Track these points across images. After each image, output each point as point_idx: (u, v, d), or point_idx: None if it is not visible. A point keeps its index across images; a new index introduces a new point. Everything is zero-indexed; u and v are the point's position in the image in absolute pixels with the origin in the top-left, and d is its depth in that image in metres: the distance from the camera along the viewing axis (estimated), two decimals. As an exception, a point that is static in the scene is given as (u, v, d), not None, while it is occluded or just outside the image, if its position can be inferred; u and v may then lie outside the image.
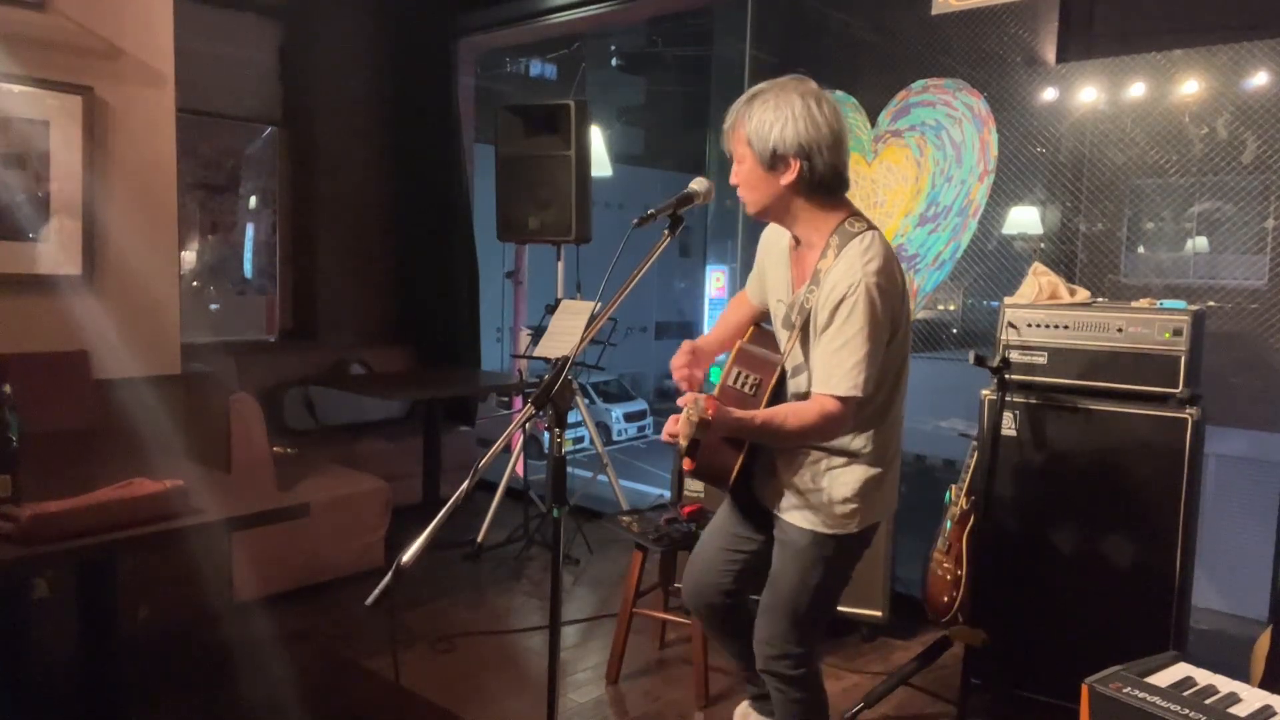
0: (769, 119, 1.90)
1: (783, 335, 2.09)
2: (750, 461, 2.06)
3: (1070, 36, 3.39)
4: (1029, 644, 2.83)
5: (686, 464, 1.91)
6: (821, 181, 1.94)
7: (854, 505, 2.03)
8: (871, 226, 1.96)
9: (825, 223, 1.97)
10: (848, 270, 1.88)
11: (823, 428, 1.91)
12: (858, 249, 1.90)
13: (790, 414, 1.94)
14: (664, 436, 1.92)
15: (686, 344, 2.16)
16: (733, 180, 2.04)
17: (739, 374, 2.07)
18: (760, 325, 2.26)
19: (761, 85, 1.98)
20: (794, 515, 2.08)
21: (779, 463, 2.09)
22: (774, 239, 2.16)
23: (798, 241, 2.05)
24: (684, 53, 20.69)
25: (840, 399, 1.88)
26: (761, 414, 1.95)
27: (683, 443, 1.81)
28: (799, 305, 1.98)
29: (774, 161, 1.92)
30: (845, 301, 1.87)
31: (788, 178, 1.93)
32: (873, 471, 2.04)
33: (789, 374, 2.07)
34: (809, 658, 2.14)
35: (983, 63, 3.55)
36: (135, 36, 3.11)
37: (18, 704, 2.53)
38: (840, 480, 2.03)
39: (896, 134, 3.78)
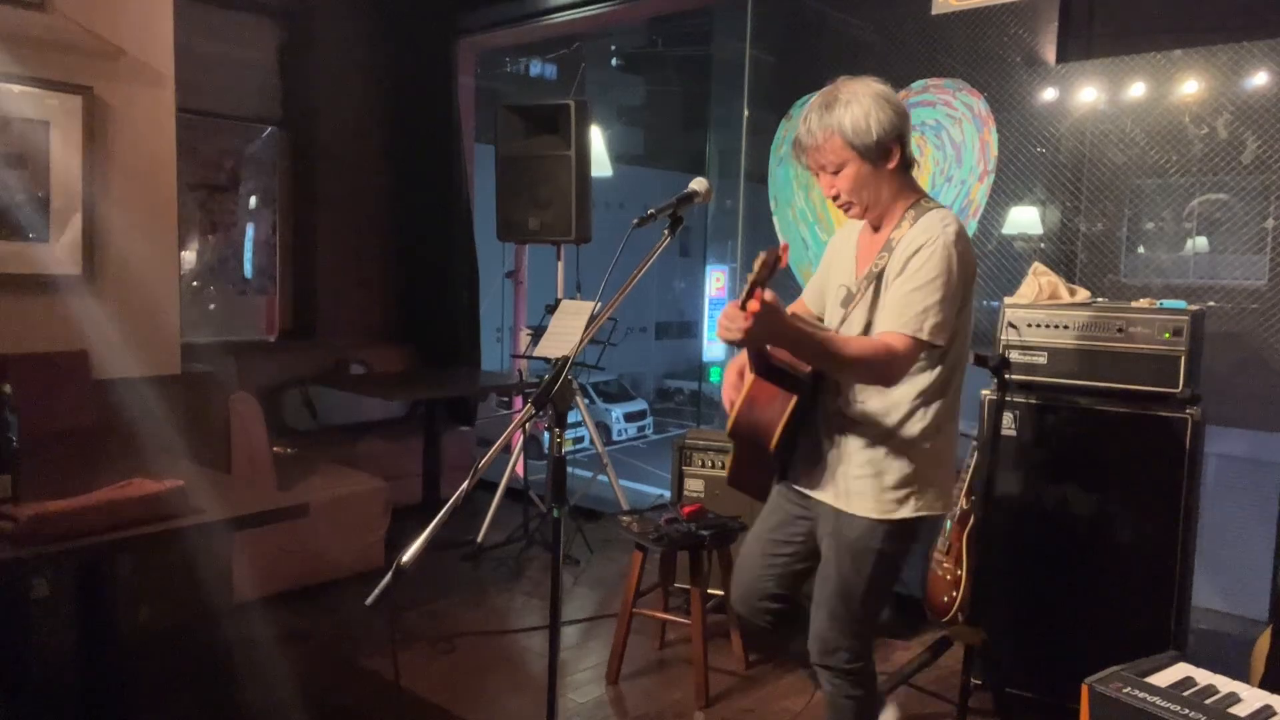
0: (860, 115, 1.92)
1: (836, 315, 2.08)
2: (794, 431, 2.00)
3: (1070, 36, 3.39)
4: (1029, 644, 2.83)
5: (752, 306, 1.71)
6: (910, 159, 2.00)
7: (907, 489, 1.99)
8: (944, 207, 2.02)
9: (905, 201, 2.01)
10: (926, 228, 1.93)
11: (883, 361, 1.86)
12: (936, 216, 1.95)
13: (853, 340, 1.93)
14: (721, 324, 1.80)
15: (733, 365, 2.12)
16: (834, 190, 2.01)
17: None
18: None
19: (823, 95, 1.99)
20: (843, 502, 2.03)
21: (828, 445, 2.05)
22: (841, 241, 2.19)
23: (875, 229, 2.07)
24: (684, 53, 20.71)
25: (905, 336, 1.87)
26: (825, 333, 1.92)
27: (750, 277, 1.71)
28: (868, 273, 1.99)
29: (879, 153, 1.94)
30: (922, 251, 1.90)
31: (892, 164, 1.97)
32: (929, 455, 2.00)
33: None
34: (865, 651, 2.10)
35: (983, 63, 3.55)
36: (135, 36, 3.11)
37: (18, 704, 2.53)
38: (893, 464, 1.99)
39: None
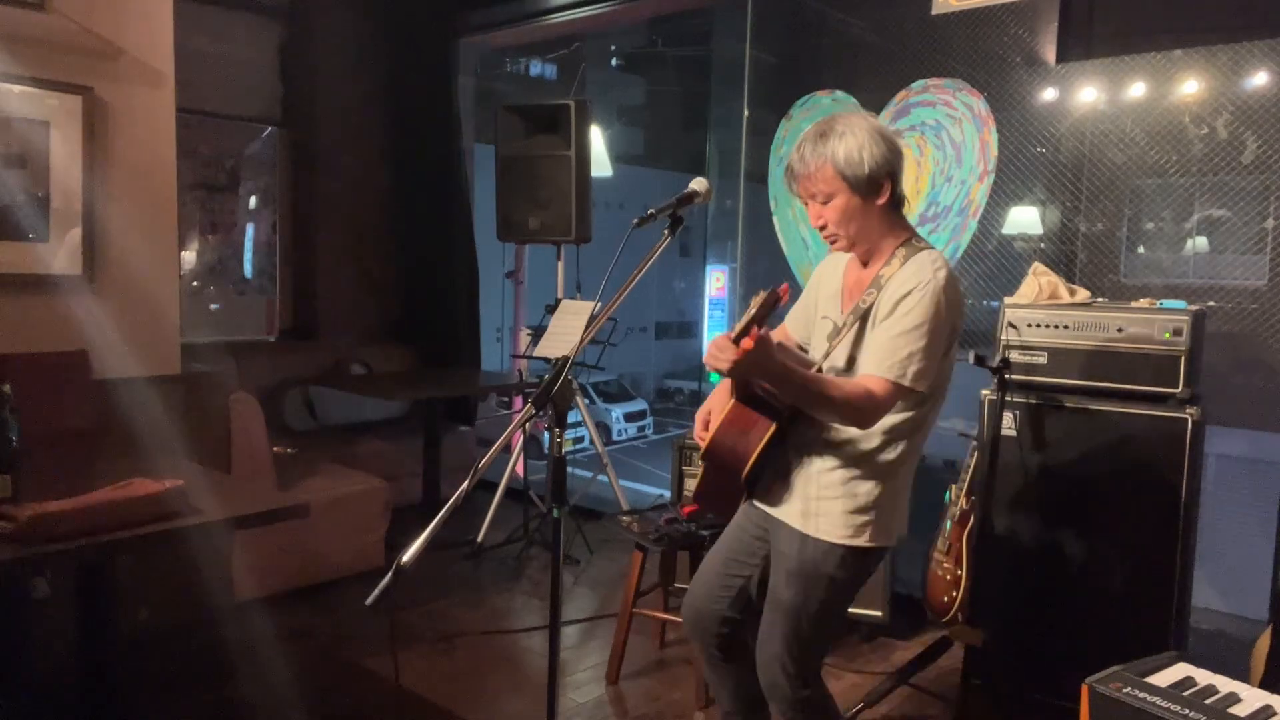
0: (853, 147, 1.91)
1: (820, 348, 2.08)
2: (767, 460, 2.01)
3: (1070, 36, 3.39)
4: (1029, 644, 2.84)
5: (746, 343, 1.74)
6: (901, 197, 1.99)
7: (867, 517, 1.98)
8: (934, 248, 2.01)
9: (895, 239, 2.00)
10: (917, 271, 1.92)
11: (862, 404, 1.87)
12: (928, 259, 1.94)
13: (836, 381, 1.93)
14: (710, 352, 1.82)
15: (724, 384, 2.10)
16: (822, 220, 2.00)
17: None
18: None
19: (818, 125, 1.98)
20: (810, 524, 2.01)
21: (796, 464, 2.04)
22: (830, 268, 2.18)
23: (863, 264, 2.06)
24: (684, 53, 20.72)
25: (887, 382, 1.87)
26: (809, 373, 1.92)
27: (748, 314, 1.73)
28: (855, 309, 1.99)
29: (869, 187, 1.93)
30: (911, 295, 1.89)
31: (882, 199, 1.95)
32: (890, 487, 2.00)
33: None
34: (812, 678, 2.07)
35: (983, 63, 3.55)
36: (135, 36, 3.11)
37: (18, 704, 2.53)
38: (858, 490, 1.99)
39: (896, 134, 3.78)
